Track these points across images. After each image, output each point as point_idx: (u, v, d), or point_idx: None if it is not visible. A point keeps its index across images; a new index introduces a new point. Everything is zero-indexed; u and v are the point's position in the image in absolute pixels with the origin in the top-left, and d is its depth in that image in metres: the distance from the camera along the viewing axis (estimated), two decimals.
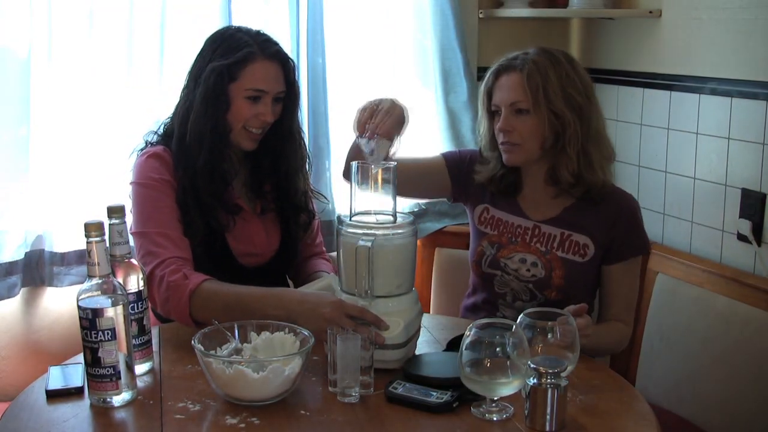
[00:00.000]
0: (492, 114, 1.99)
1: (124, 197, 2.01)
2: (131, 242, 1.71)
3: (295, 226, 2.11)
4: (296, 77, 2.04)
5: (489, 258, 2.03)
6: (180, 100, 2.01)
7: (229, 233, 1.98)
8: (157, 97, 2.42)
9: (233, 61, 1.91)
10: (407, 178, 1.97)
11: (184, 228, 1.92)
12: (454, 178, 2.13)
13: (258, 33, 1.99)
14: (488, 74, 1.99)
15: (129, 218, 1.82)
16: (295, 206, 2.10)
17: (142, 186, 1.93)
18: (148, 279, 1.81)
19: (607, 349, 2.02)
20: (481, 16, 2.83)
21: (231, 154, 2.00)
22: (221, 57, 1.93)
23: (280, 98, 1.99)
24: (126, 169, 2.39)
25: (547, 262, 1.97)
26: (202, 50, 1.99)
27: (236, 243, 2.00)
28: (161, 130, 2.04)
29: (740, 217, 2.26)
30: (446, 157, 2.16)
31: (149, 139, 2.04)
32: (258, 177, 2.07)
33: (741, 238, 2.27)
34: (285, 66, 1.98)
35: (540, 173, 2.01)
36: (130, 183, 1.97)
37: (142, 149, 2.02)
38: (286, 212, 2.09)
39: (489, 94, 1.98)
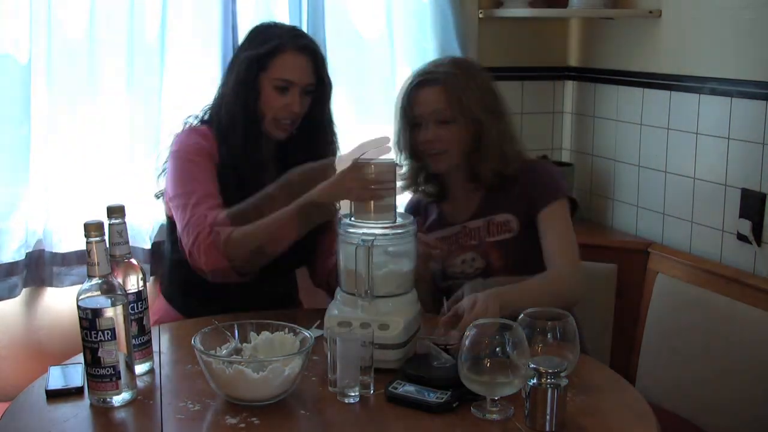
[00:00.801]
0: (412, 126, 2.05)
1: (125, 197, 2.01)
2: (131, 242, 1.71)
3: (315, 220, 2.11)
4: (327, 71, 2.09)
5: (438, 273, 2.11)
6: (218, 89, 2.10)
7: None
8: (158, 97, 2.41)
9: (263, 51, 1.99)
10: None
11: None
12: None
13: (292, 28, 2.12)
14: (406, 89, 2.06)
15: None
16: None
17: (185, 158, 2.00)
18: (192, 245, 1.88)
19: (542, 301, 1.82)
20: (481, 16, 2.83)
21: (265, 142, 2.05)
22: (254, 48, 2.01)
23: (310, 91, 2.04)
24: (126, 170, 2.40)
25: (482, 252, 2.05)
26: (241, 43, 2.10)
27: None
28: (202, 115, 2.11)
29: (740, 217, 2.26)
30: None
31: (190, 122, 2.10)
32: (287, 167, 2.08)
33: (741, 238, 2.27)
34: (315, 59, 2.04)
35: (461, 176, 2.09)
36: (171, 154, 2.03)
37: (183, 128, 2.09)
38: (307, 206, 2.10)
39: (409, 108, 2.04)
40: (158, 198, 2.13)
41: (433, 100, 2.01)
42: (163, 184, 2.08)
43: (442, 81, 2.01)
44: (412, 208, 2.21)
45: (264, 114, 2.01)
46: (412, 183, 2.16)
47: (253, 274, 1.92)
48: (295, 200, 1.84)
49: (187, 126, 2.09)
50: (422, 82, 2.03)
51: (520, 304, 1.66)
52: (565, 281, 1.94)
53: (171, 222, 2.08)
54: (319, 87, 2.06)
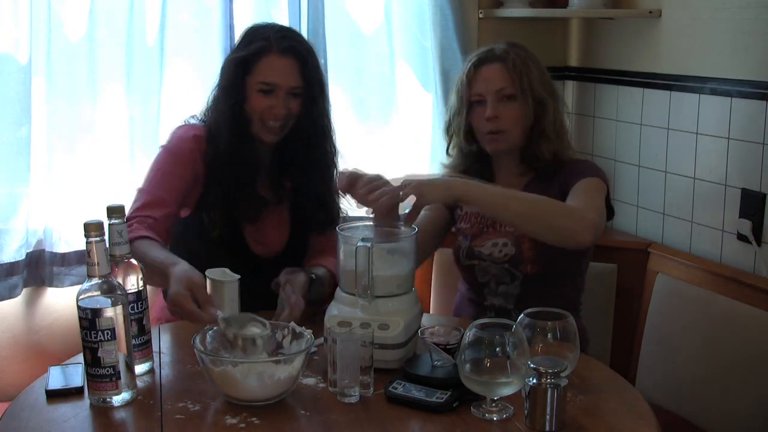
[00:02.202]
0: (470, 105, 2.05)
1: (125, 197, 2.01)
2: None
3: (309, 222, 2.12)
4: (317, 73, 2.05)
5: (465, 250, 2.09)
6: (211, 92, 2.09)
7: (251, 225, 2.03)
8: (158, 98, 2.42)
9: (247, 54, 1.98)
10: (427, 247, 2.12)
11: (206, 214, 1.99)
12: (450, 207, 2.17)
13: (281, 29, 2.06)
14: (467, 66, 2.06)
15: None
16: (312, 202, 2.11)
17: (165, 150, 2.02)
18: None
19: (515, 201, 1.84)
20: (481, 16, 2.83)
21: (256, 145, 2.03)
22: (240, 50, 2.01)
23: (297, 93, 2.01)
24: (126, 170, 2.40)
25: (515, 239, 2.02)
26: (236, 43, 2.08)
27: (250, 232, 2.05)
28: (200, 116, 2.11)
29: (740, 217, 2.26)
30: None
31: (190, 121, 2.11)
32: (279, 169, 2.09)
33: (741, 238, 2.26)
34: (301, 61, 2.00)
35: (512, 158, 2.08)
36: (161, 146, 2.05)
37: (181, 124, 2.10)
38: (302, 207, 2.11)
39: (469, 86, 2.04)
40: None
41: (496, 77, 2.01)
42: None
43: (503, 58, 2.01)
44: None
45: (252, 117, 2.00)
46: (463, 168, 2.14)
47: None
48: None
49: (184, 125, 2.09)
50: (483, 60, 2.03)
51: (485, 199, 1.76)
52: (572, 213, 1.83)
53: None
54: (307, 89, 2.02)
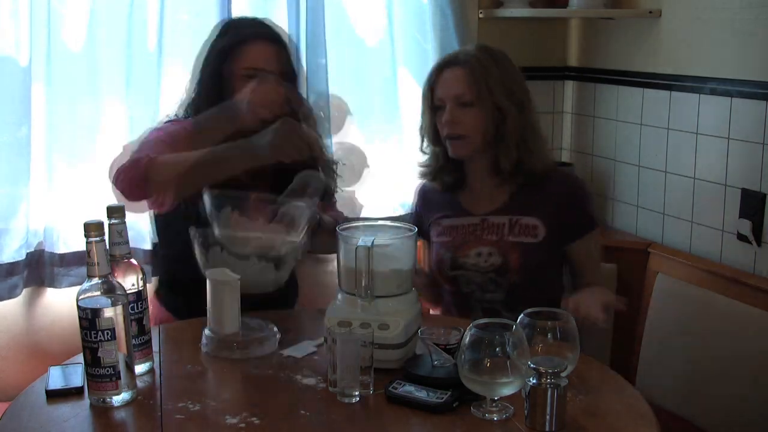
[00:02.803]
0: (435, 109, 2.06)
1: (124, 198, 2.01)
2: (131, 242, 1.71)
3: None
4: (295, 61, 2.09)
5: (448, 261, 2.08)
6: (188, 86, 2.09)
7: (237, 212, 2.00)
8: (157, 99, 2.41)
9: (230, 42, 2.01)
10: None
11: (190, 207, 1.95)
12: (424, 232, 2.18)
13: (258, 19, 2.11)
14: (430, 71, 2.08)
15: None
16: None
17: (156, 130, 1.99)
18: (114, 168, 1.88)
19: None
20: (481, 16, 2.83)
21: (242, 135, 2.02)
22: (220, 40, 2.03)
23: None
24: None
25: (501, 248, 2.03)
26: (209, 37, 2.09)
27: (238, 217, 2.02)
28: (178, 112, 2.10)
29: (740, 217, 2.26)
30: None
31: (170, 117, 2.10)
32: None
33: (741, 238, 2.26)
34: (280, 48, 2.04)
35: (483, 166, 2.08)
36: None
37: (163, 121, 2.10)
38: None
39: (431, 90, 2.05)
40: None
41: (454, 82, 2.01)
42: None
43: (464, 63, 2.02)
44: (421, 194, 2.21)
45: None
46: (431, 170, 2.15)
47: (169, 206, 1.90)
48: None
49: (164, 122, 2.09)
50: (445, 64, 2.05)
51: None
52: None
53: (158, 222, 2.07)
54: (285, 76, 2.04)
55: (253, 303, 1.97)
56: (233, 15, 2.46)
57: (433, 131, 2.10)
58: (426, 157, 2.17)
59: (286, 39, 2.08)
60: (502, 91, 2.00)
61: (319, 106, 2.06)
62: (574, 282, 2.12)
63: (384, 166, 2.71)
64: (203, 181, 1.83)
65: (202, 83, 2.04)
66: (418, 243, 2.03)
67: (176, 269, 2.01)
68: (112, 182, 1.89)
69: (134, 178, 1.82)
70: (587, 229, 2.09)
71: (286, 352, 1.74)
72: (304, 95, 2.17)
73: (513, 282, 2.02)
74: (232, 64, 2.00)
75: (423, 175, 2.18)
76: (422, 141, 2.15)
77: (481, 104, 2.00)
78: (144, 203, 1.92)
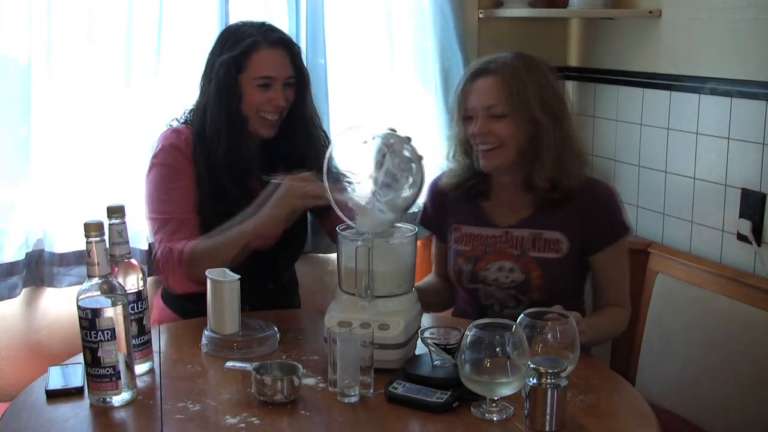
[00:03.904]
0: (465, 119, 1.96)
1: (125, 197, 2.01)
2: (131, 242, 1.71)
3: (306, 210, 2.11)
4: (303, 62, 2.09)
5: (468, 274, 2.01)
6: (198, 96, 2.08)
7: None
8: (156, 98, 2.41)
9: (239, 52, 1.98)
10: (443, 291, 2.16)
11: (200, 212, 2.01)
12: (442, 234, 2.14)
13: (262, 24, 2.07)
14: (462, 78, 1.97)
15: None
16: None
17: (162, 166, 2.01)
18: (155, 264, 1.98)
19: (607, 335, 2.06)
20: (481, 16, 2.83)
21: (250, 144, 2.05)
22: (227, 50, 2.00)
23: (291, 83, 2.04)
24: (126, 170, 2.40)
25: (523, 265, 1.95)
26: (213, 48, 2.07)
27: None
28: (184, 120, 2.11)
29: (740, 217, 2.26)
30: (430, 228, 2.18)
31: (172, 125, 2.11)
32: (274, 161, 2.09)
33: (741, 238, 2.26)
34: (290, 51, 2.04)
35: (513, 180, 1.98)
36: (151, 162, 2.05)
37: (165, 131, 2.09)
38: None
39: (463, 99, 1.95)
40: None
41: (486, 93, 1.89)
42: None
43: (498, 72, 1.89)
44: (433, 196, 2.12)
45: (248, 115, 2.00)
46: (457, 181, 2.04)
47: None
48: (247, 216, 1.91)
49: (168, 129, 2.08)
50: (478, 73, 1.92)
51: (594, 337, 1.85)
52: (626, 322, 2.01)
53: None
54: (299, 78, 2.06)
55: (253, 303, 1.97)
56: (232, 14, 2.46)
57: (463, 141, 1.99)
58: (451, 167, 2.07)
59: (292, 42, 2.06)
60: (537, 103, 1.88)
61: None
62: (595, 297, 2.03)
63: None
64: (236, 257, 1.90)
65: (210, 95, 2.01)
66: (419, 241, 2.02)
67: None
68: (157, 272, 2.03)
69: (175, 270, 1.92)
70: (613, 238, 1.97)
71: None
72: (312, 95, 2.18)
73: (534, 299, 1.94)
74: (242, 75, 1.98)
75: (452, 184, 2.06)
76: (451, 150, 2.05)
77: (514, 117, 1.88)
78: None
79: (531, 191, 1.96)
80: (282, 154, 2.09)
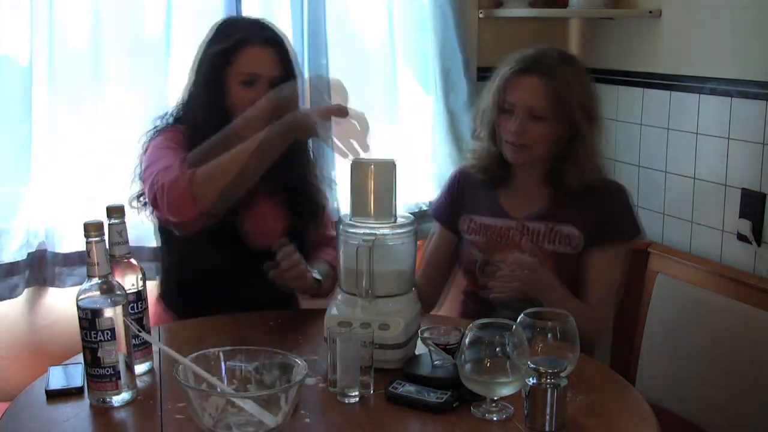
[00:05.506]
0: (501, 110, 1.94)
1: (125, 197, 2.01)
2: (139, 240, 1.71)
3: (300, 213, 2.11)
4: (295, 63, 2.04)
5: (481, 264, 2.00)
6: (186, 87, 2.06)
7: (245, 212, 2.00)
8: (160, 97, 2.41)
9: (227, 46, 1.96)
10: (441, 280, 2.13)
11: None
12: (452, 226, 2.12)
13: (256, 20, 2.05)
14: (508, 68, 1.93)
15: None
16: (300, 193, 2.11)
17: (159, 147, 1.93)
18: (152, 196, 1.83)
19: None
20: (481, 16, 2.83)
21: (241, 140, 2.00)
22: (217, 43, 1.98)
23: (277, 83, 1.98)
24: (126, 170, 2.39)
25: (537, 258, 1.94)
26: (205, 38, 2.05)
27: (245, 223, 2.01)
28: (170, 116, 2.07)
29: (740, 217, 2.26)
30: (439, 219, 2.16)
31: (158, 124, 2.06)
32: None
33: (741, 238, 2.27)
34: (280, 51, 2.00)
35: (538, 174, 1.99)
36: (147, 147, 1.98)
37: (153, 131, 2.04)
38: (293, 197, 2.11)
39: (503, 90, 1.93)
40: (131, 205, 2.06)
41: (531, 92, 1.88)
42: (134, 189, 2.05)
43: (546, 73, 1.88)
44: (460, 181, 2.12)
45: (233, 110, 1.97)
46: (480, 164, 2.04)
47: (219, 216, 1.86)
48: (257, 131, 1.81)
49: (156, 132, 2.03)
50: (525, 69, 1.90)
51: (548, 304, 1.75)
52: (594, 325, 1.91)
53: (162, 224, 2.07)
54: (287, 79, 2.00)
55: (253, 304, 1.97)
56: (237, 11, 2.47)
57: (492, 128, 1.97)
58: (475, 150, 2.07)
59: (283, 40, 2.03)
60: (579, 108, 1.89)
61: (319, 90, 2.01)
62: (577, 295, 1.97)
63: None
64: (254, 176, 1.82)
65: (197, 87, 2.01)
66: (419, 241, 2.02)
67: (184, 273, 2.00)
68: (152, 210, 1.90)
69: (179, 198, 1.76)
70: (619, 235, 1.97)
71: None
72: (305, 96, 2.14)
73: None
74: (228, 69, 1.96)
75: (471, 167, 2.07)
76: (477, 127, 2.03)
77: (555, 120, 1.89)
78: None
79: (552, 185, 1.97)
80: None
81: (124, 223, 1.58)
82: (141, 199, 2.01)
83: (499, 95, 1.94)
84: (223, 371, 1.45)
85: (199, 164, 1.81)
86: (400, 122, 2.79)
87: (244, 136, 1.83)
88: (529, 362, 1.41)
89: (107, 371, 1.47)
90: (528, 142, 1.92)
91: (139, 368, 1.60)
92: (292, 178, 2.09)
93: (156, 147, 1.95)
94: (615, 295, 1.99)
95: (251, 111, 1.90)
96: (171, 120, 2.07)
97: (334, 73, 2.62)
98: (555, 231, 1.96)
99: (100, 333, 1.45)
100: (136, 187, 2.04)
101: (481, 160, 2.05)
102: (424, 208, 2.72)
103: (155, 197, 1.81)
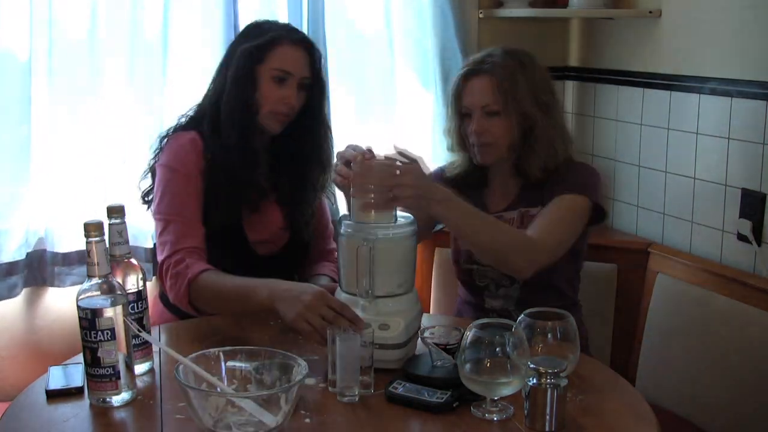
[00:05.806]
0: (461, 116, 2.05)
1: (125, 197, 2.01)
2: (134, 240, 1.71)
3: (300, 218, 2.13)
4: (322, 68, 2.09)
5: (464, 254, 2.09)
6: (211, 84, 2.08)
7: (248, 218, 2.03)
8: (159, 97, 2.41)
9: (261, 42, 2.00)
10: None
11: (207, 210, 1.99)
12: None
13: (288, 24, 2.14)
14: (457, 77, 2.05)
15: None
16: (302, 197, 2.13)
17: (170, 169, 1.99)
18: (159, 267, 1.94)
19: (474, 228, 1.84)
20: (481, 16, 2.83)
21: (259, 138, 2.04)
22: (250, 40, 2.02)
23: (306, 85, 2.04)
24: (127, 170, 2.40)
25: None
26: (236, 38, 2.11)
27: (251, 228, 2.04)
28: (192, 113, 2.10)
29: (740, 217, 2.26)
30: None
31: (181, 122, 2.09)
32: (279, 163, 2.10)
33: (741, 238, 2.26)
34: (311, 53, 2.04)
35: (506, 168, 2.08)
36: (158, 164, 2.02)
37: (172, 129, 2.08)
38: (295, 202, 2.12)
39: (458, 97, 2.03)
40: (145, 204, 2.12)
41: (482, 92, 1.99)
42: (144, 185, 2.09)
43: (491, 72, 1.98)
44: (440, 179, 2.15)
45: (261, 106, 2.00)
46: (461, 171, 2.13)
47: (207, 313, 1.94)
48: (267, 289, 1.76)
49: (177, 134, 2.05)
50: (472, 72, 2.01)
51: (453, 221, 1.80)
52: (524, 245, 1.86)
53: None
54: (315, 82, 2.06)
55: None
56: (238, 9, 2.47)
57: (459, 136, 2.08)
58: (455, 159, 2.15)
59: (314, 46, 2.06)
60: (528, 98, 1.98)
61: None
62: None
63: None
64: (237, 309, 1.87)
65: (226, 82, 2.02)
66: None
67: None
68: (160, 280, 1.98)
69: (177, 296, 1.88)
70: (568, 190, 1.97)
71: None
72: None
73: (527, 277, 1.94)
74: (261, 65, 1.99)
75: (451, 176, 2.14)
76: (449, 143, 2.14)
77: (508, 113, 1.98)
78: None
79: (520, 176, 2.06)
80: (288, 154, 2.10)
81: (124, 223, 1.58)
82: (150, 196, 2.07)
83: (456, 102, 2.05)
84: (223, 371, 1.46)
85: (207, 290, 1.86)
86: (400, 122, 2.79)
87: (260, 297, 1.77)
88: (529, 362, 1.41)
89: (107, 371, 1.47)
90: (490, 140, 2.01)
91: (139, 368, 1.60)
92: (297, 185, 2.12)
93: (171, 175, 1.97)
94: (559, 234, 1.93)
95: (287, 295, 1.71)
96: (191, 117, 2.09)
97: (334, 72, 2.62)
98: (527, 215, 2.04)
99: (100, 333, 1.45)
100: (147, 182, 2.08)
101: (460, 169, 2.14)
102: None
103: (162, 278, 1.93)
